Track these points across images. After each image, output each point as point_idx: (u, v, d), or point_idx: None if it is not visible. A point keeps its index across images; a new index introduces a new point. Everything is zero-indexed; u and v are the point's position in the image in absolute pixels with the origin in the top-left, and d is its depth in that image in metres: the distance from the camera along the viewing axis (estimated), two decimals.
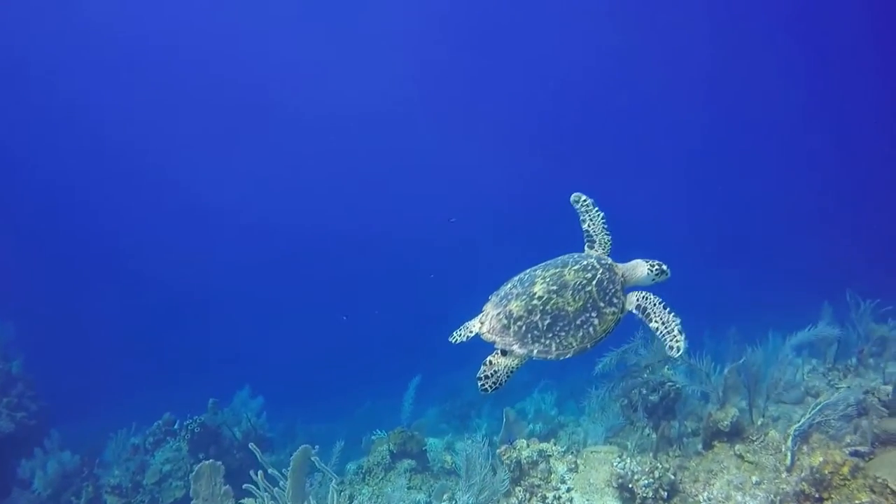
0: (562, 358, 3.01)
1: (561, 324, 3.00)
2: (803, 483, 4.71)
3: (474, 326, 3.32)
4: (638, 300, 3.21)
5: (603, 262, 3.26)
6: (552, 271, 3.16)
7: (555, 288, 3.05)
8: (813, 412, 5.39)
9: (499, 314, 3.15)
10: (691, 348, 6.26)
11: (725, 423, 5.53)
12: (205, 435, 9.71)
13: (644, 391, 6.31)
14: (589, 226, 3.53)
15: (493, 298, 3.34)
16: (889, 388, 6.31)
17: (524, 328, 3.03)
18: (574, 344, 3.02)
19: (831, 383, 7.29)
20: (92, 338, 23.69)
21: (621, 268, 3.33)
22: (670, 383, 5.81)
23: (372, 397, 14.79)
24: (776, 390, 6.07)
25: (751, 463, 5.33)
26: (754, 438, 5.61)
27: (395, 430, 8.02)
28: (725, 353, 6.39)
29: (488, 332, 3.17)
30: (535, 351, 3.03)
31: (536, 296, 3.05)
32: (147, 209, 34.50)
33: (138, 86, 32.97)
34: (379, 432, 8.23)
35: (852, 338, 8.22)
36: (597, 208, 3.51)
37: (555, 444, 5.91)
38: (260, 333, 24.05)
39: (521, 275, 3.33)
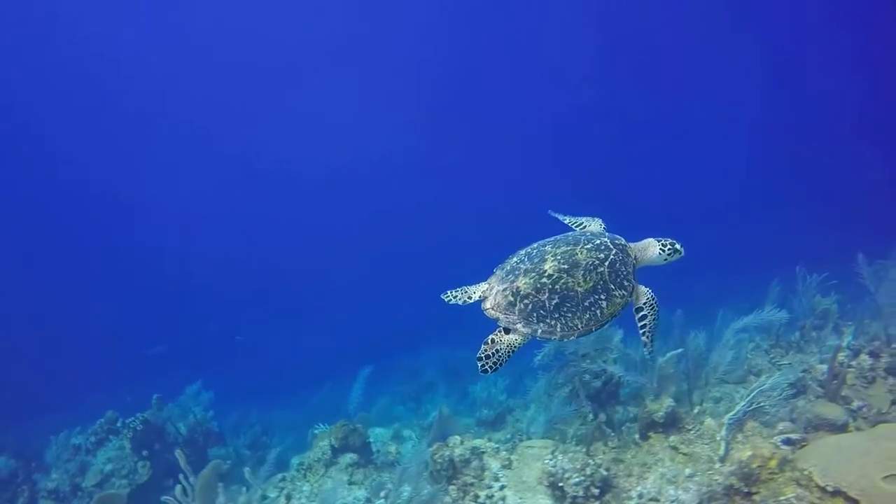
0: (565, 340, 2.92)
1: (568, 304, 2.87)
2: (732, 477, 4.54)
3: (475, 293, 3.13)
4: (645, 302, 3.12)
5: (616, 242, 3.12)
6: (564, 248, 3.00)
7: (566, 267, 2.91)
8: (746, 400, 5.23)
9: (504, 290, 2.97)
10: (630, 335, 6.07)
11: (660, 414, 5.34)
12: (148, 432, 9.31)
13: (587, 377, 6.13)
14: (578, 223, 3.56)
15: (499, 272, 3.13)
16: (824, 366, 6.22)
17: (530, 307, 2.88)
18: (579, 326, 2.90)
19: (773, 361, 7.20)
20: (60, 336, 22.71)
21: (633, 248, 3.21)
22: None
23: (333, 384, 14.43)
24: (716, 375, 5.89)
25: (685, 455, 5.17)
26: (690, 428, 5.46)
27: (337, 424, 7.70)
28: (670, 338, 6.15)
29: (492, 308, 3.00)
30: (540, 331, 2.89)
31: (546, 273, 2.90)
32: (115, 203, 33.03)
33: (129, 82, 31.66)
34: (321, 426, 7.92)
35: (798, 312, 8.15)
36: (592, 219, 3.54)
37: (488, 441, 5.67)
38: (235, 325, 23.31)
39: (529, 249, 3.16)
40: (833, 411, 5.24)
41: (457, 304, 3.14)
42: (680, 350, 5.65)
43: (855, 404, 5.74)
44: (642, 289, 3.15)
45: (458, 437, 5.70)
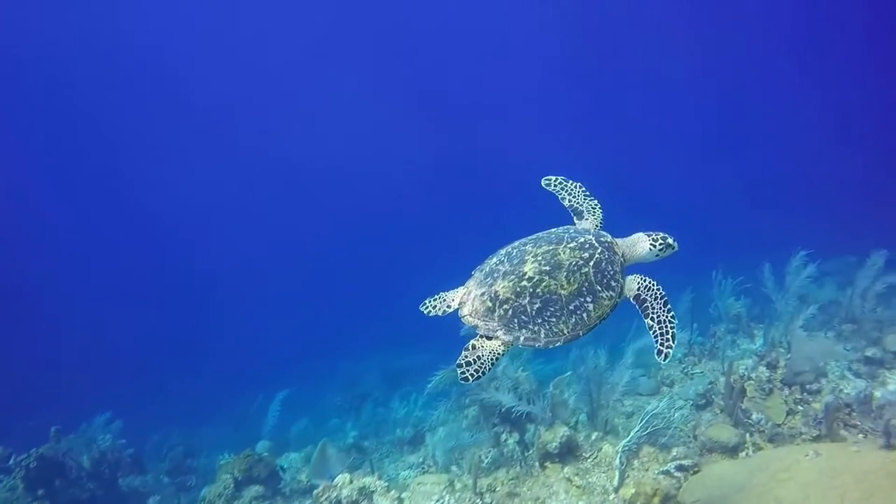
0: (551, 346, 2.69)
1: (552, 309, 2.65)
2: None
3: (454, 300, 2.91)
4: (639, 288, 2.83)
5: (602, 239, 2.88)
6: (545, 248, 2.78)
7: (547, 268, 2.69)
8: (640, 425, 5.03)
9: (482, 295, 2.75)
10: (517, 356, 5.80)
11: (553, 445, 5.09)
12: (45, 468, 8.51)
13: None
14: (570, 201, 3.22)
15: (477, 275, 2.91)
16: (731, 378, 6.10)
17: (511, 312, 2.66)
18: (565, 331, 2.67)
19: (686, 371, 7.08)
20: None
21: (621, 245, 2.96)
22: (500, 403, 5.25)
23: (265, 395, 13.79)
24: (614, 396, 5.67)
25: (578, 487, 4.93)
26: (588, 456, 5.24)
27: (241, 455, 7.23)
28: (567, 358, 5.90)
29: (470, 314, 2.78)
30: (522, 338, 2.66)
31: (526, 276, 2.68)
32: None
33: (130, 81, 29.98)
34: (225, 456, 7.41)
35: (713, 317, 8.10)
36: (571, 182, 3.24)
37: (378, 478, 5.29)
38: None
39: (509, 248, 2.93)
40: (725, 433, 5.09)
41: (437, 316, 2.92)
42: (568, 373, 5.39)
43: (754, 417, 5.65)
44: (630, 279, 2.87)
45: (346, 476, 5.32)
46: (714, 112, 30.13)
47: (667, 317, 2.74)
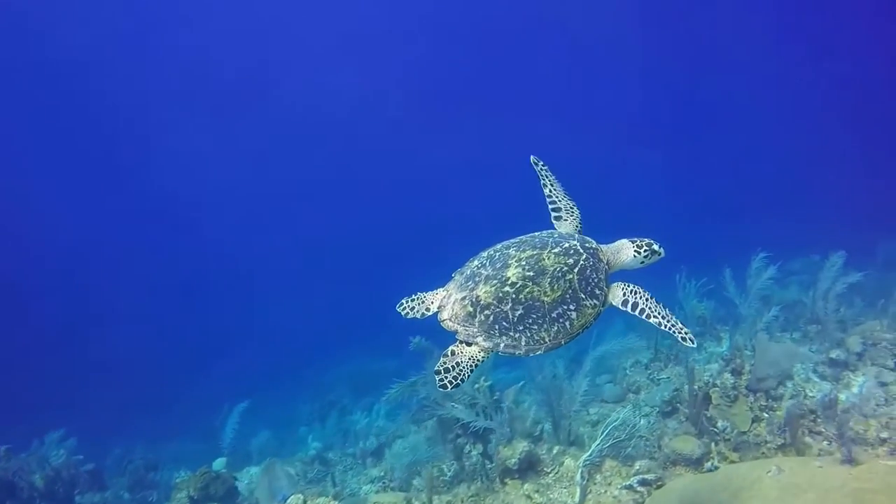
0: (531, 354, 2.59)
1: (534, 316, 2.56)
2: None
3: (433, 303, 2.80)
4: (625, 294, 2.77)
5: (587, 245, 2.79)
6: (529, 253, 2.69)
7: (531, 274, 2.60)
8: (601, 438, 4.82)
9: (463, 299, 2.65)
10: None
11: (513, 461, 4.86)
12: None
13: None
14: (550, 190, 3.12)
15: (458, 277, 2.81)
16: (695, 386, 5.94)
17: (492, 318, 2.57)
18: (546, 339, 2.58)
19: (651, 377, 6.92)
20: None
21: (606, 251, 2.87)
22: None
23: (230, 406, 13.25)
24: (573, 406, 5.46)
25: None
26: (549, 471, 5.01)
27: (198, 472, 6.85)
28: (536, 369, 5.67)
29: (450, 318, 2.67)
30: (503, 345, 2.57)
31: (509, 282, 2.59)
32: None
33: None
34: (181, 473, 7.03)
35: (679, 318, 7.93)
36: (553, 175, 3.15)
37: (333, 500, 4.99)
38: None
39: (491, 251, 2.83)
40: (689, 445, 4.91)
41: (415, 319, 2.81)
42: (520, 384, 5.17)
43: (719, 424, 5.49)
44: (614, 287, 2.80)
45: (300, 496, 5.01)
46: (671, 111, 30.25)
47: (664, 311, 2.72)
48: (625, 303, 2.73)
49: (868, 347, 6.54)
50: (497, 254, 2.77)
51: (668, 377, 6.84)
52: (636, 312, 2.71)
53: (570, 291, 2.60)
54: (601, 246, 2.86)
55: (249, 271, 26.95)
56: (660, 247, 2.88)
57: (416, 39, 33.24)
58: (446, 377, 2.53)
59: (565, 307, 2.57)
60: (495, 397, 5.18)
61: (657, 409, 6.30)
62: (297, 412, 12.29)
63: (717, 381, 5.80)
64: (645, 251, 2.84)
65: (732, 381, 5.72)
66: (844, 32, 24.48)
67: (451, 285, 2.80)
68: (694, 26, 28.28)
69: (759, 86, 27.67)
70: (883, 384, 6.03)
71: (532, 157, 3.15)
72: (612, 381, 6.95)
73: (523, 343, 2.54)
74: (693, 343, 2.65)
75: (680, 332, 2.67)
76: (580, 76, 32.49)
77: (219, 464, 7.84)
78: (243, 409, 8.26)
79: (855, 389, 6.11)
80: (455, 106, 33.31)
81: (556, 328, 2.57)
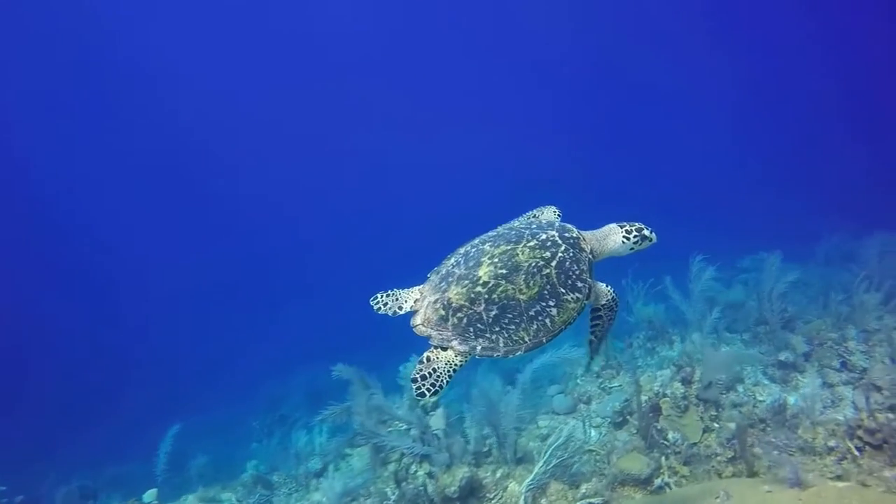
0: (511, 356, 2.45)
1: (510, 315, 2.42)
2: None
3: (406, 302, 2.65)
4: (607, 300, 2.67)
5: (567, 236, 2.60)
6: (502, 248, 2.54)
7: (504, 272, 2.46)
8: (543, 460, 4.45)
9: (435, 302, 2.51)
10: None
11: (452, 489, 4.43)
12: None
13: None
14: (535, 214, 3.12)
15: (433, 278, 2.67)
16: (644, 397, 5.66)
17: (465, 321, 2.43)
18: (526, 339, 2.45)
19: (603, 385, 6.60)
20: None
21: (590, 239, 2.69)
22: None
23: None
24: (511, 424, 5.08)
25: None
26: (492, 497, 4.60)
27: None
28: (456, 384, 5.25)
29: (423, 323, 2.53)
30: (479, 347, 2.43)
31: (481, 281, 2.45)
32: None
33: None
34: None
35: (632, 323, 7.72)
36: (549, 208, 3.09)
37: None
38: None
39: (467, 247, 2.70)
40: (637, 464, 4.59)
41: (386, 315, 2.64)
42: (440, 409, 4.77)
43: (670, 437, 5.21)
44: (602, 287, 2.67)
45: None
46: (616, 110, 30.35)
47: (604, 332, 2.70)
48: (595, 310, 2.64)
49: (815, 347, 6.40)
50: (473, 250, 2.62)
51: (620, 385, 6.55)
52: (592, 315, 2.68)
53: (549, 287, 2.44)
54: (585, 233, 2.68)
55: (204, 276, 25.64)
56: (651, 231, 2.73)
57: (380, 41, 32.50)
58: (423, 385, 2.37)
59: (544, 304, 2.42)
60: (431, 415, 4.75)
61: (608, 420, 6.01)
62: (243, 430, 11.53)
63: (668, 391, 5.52)
64: (635, 237, 2.70)
65: (683, 391, 5.45)
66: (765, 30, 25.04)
67: (425, 287, 2.65)
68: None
69: (699, 85, 28.03)
70: (829, 385, 5.89)
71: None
72: (563, 391, 6.61)
73: (501, 344, 2.41)
74: (588, 372, 2.63)
75: (591, 356, 2.77)
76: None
77: (149, 495, 7.17)
78: (180, 430, 7.54)
79: (803, 391, 5.96)
80: (437, 106, 32.75)
81: (535, 326, 2.42)
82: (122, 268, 25.31)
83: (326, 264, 23.05)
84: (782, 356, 6.29)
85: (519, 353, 2.44)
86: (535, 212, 3.10)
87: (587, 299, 2.52)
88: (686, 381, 5.52)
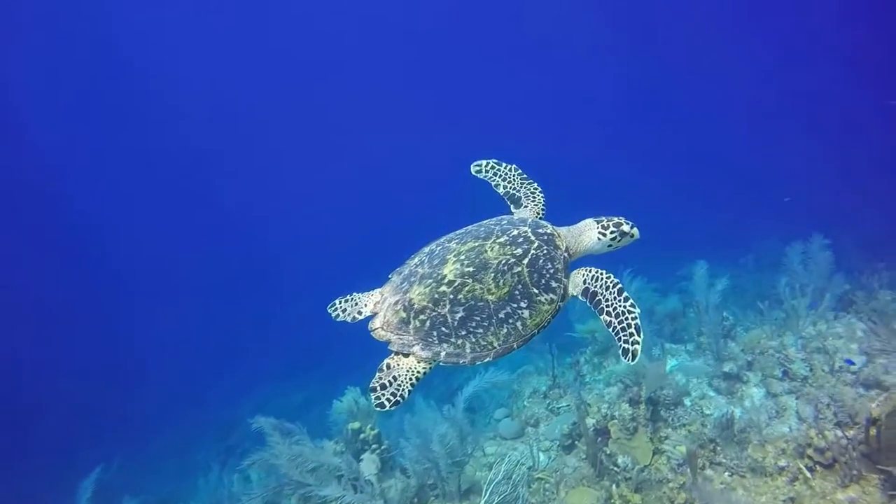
0: (479, 362, 2.13)
1: (478, 318, 2.13)
2: None
3: (366, 306, 2.37)
4: (585, 281, 2.28)
5: (540, 231, 2.33)
6: (470, 245, 2.27)
7: (471, 269, 2.18)
8: (485, 499, 3.98)
9: (396, 303, 2.23)
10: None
11: None
12: None
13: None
14: (505, 187, 2.76)
15: (394, 278, 2.39)
16: (592, 420, 5.32)
17: (428, 324, 2.15)
18: (495, 344, 2.13)
19: (550, 407, 6.24)
20: None
21: (565, 236, 2.41)
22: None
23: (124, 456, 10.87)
24: (452, 460, 4.61)
25: None
26: None
27: None
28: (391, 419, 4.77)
29: (382, 327, 2.23)
30: (444, 353, 2.14)
31: (446, 280, 2.18)
32: None
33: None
34: None
35: (578, 339, 7.42)
36: (505, 164, 2.79)
37: None
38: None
39: (433, 245, 2.43)
40: (585, 499, 4.20)
41: (345, 322, 2.43)
42: (368, 453, 4.27)
43: (620, 461, 4.87)
44: (575, 274, 2.34)
45: None
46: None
47: (625, 306, 2.16)
48: (584, 291, 2.26)
49: (756, 357, 6.27)
50: (438, 248, 2.37)
51: (569, 405, 6.20)
52: (590, 302, 2.23)
53: (520, 286, 2.17)
54: (560, 230, 2.43)
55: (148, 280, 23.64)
56: (632, 227, 2.41)
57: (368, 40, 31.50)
58: (383, 395, 2.09)
59: (515, 305, 2.15)
60: (361, 460, 4.20)
61: (557, 444, 5.63)
62: (193, 461, 10.46)
63: (615, 413, 5.19)
64: (612, 233, 2.39)
65: (631, 413, 5.13)
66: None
67: (386, 288, 2.40)
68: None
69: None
70: (773, 395, 5.74)
71: (472, 166, 2.81)
72: (510, 414, 6.20)
73: (468, 350, 2.14)
74: (633, 360, 2.08)
75: (627, 341, 2.09)
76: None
77: None
78: (121, 462, 6.60)
79: (748, 403, 5.79)
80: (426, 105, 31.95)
81: (505, 330, 2.14)
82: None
83: (297, 272, 21.56)
84: (726, 367, 6.12)
85: (487, 359, 2.16)
86: (508, 181, 2.81)
87: (562, 301, 2.25)
88: (634, 402, 5.21)
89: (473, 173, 2.80)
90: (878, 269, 7.82)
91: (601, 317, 2.22)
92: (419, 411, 5.51)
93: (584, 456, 5.13)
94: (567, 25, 28.99)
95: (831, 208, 11.37)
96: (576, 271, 2.35)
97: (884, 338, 5.95)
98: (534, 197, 2.72)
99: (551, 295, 2.21)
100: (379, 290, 2.45)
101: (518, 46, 30.43)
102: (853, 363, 5.48)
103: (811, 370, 5.78)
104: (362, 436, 5.62)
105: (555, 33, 29.63)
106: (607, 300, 2.20)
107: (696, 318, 7.10)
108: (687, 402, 5.74)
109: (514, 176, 2.78)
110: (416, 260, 2.43)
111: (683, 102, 25.34)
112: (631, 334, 2.10)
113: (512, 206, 2.75)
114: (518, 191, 2.74)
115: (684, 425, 5.10)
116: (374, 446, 5.35)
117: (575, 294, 2.32)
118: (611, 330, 2.17)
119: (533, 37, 29.96)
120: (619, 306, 2.17)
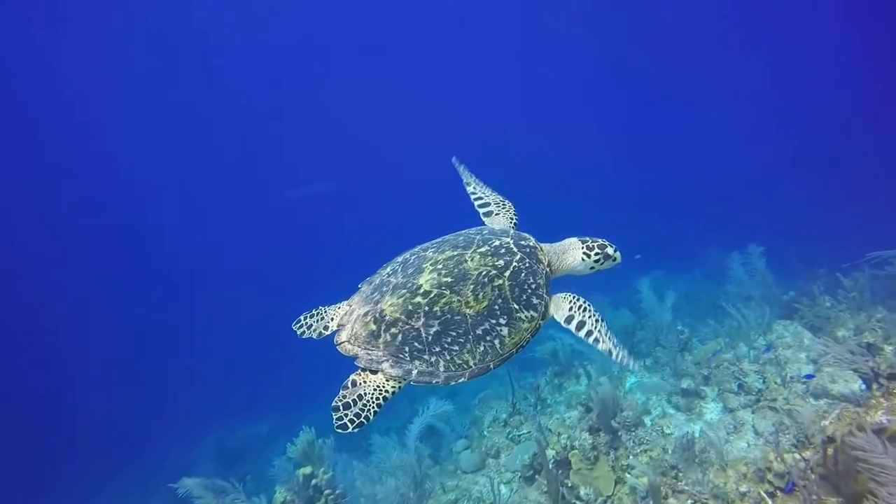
0: (452, 382, 1.93)
1: (454, 333, 1.92)
2: None
3: (333, 319, 2.14)
4: (571, 309, 2.12)
5: (523, 244, 2.16)
6: (449, 253, 2.09)
7: (449, 280, 1.98)
8: None
9: (366, 315, 2.00)
10: None
11: None
12: None
13: None
14: (475, 188, 2.60)
15: (364, 288, 2.17)
16: (552, 451, 5.05)
17: (400, 338, 1.92)
18: (471, 362, 1.94)
19: (511, 435, 5.95)
20: None
21: (548, 251, 2.26)
22: None
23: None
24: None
25: None
26: None
27: None
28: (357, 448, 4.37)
29: (349, 340, 1.99)
30: (416, 372, 1.91)
31: (422, 291, 1.97)
32: None
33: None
34: None
35: (538, 359, 7.19)
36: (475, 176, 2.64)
37: None
38: None
39: (407, 254, 2.22)
40: None
41: (311, 339, 2.13)
42: (328, 494, 3.89)
43: (582, 493, 4.61)
44: (559, 298, 2.17)
45: None
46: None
47: (610, 334, 2.14)
48: (569, 319, 2.12)
49: (712, 370, 6.18)
50: (413, 257, 2.18)
51: (529, 432, 5.93)
52: (581, 334, 2.11)
53: (500, 301, 2.00)
54: (542, 245, 2.29)
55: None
56: (615, 250, 2.32)
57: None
58: (346, 415, 1.87)
59: (494, 321, 1.97)
60: None
61: (518, 475, 5.34)
62: None
63: (576, 443, 4.94)
64: (596, 254, 2.29)
65: (591, 441, 4.89)
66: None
67: (354, 298, 2.18)
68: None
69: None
70: (730, 410, 5.64)
71: (453, 158, 2.67)
72: (469, 446, 5.88)
73: (441, 368, 1.93)
74: (634, 363, 2.12)
75: (625, 361, 2.10)
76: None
77: None
78: None
79: (707, 417, 5.68)
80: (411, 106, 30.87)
81: (482, 348, 1.96)
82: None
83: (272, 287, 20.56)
84: (685, 384, 5.99)
85: (462, 379, 1.97)
86: (486, 194, 2.68)
87: (542, 319, 2.09)
88: (594, 430, 4.97)
89: (453, 163, 2.67)
90: (819, 275, 7.94)
91: (598, 346, 2.15)
92: (377, 448, 5.14)
93: (545, 489, 4.86)
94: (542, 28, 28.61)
95: (781, 217, 11.64)
96: (560, 295, 2.21)
97: (829, 346, 5.96)
98: (503, 206, 2.58)
99: (532, 312, 2.04)
100: (347, 301, 2.23)
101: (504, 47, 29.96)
102: (813, 377, 5.41)
103: (764, 382, 5.72)
104: (314, 481, 5.18)
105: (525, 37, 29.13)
106: (600, 331, 2.14)
107: (652, 333, 7.00)
108: (647, 421, 5.57)
109: (483, 184, 2.69)
110: (388, 269, 2.23)
111: (654, 116, 25.42)
112: (625, 356, 2.10)
113: (481, 213, 2.60)
114: (487, 196, 2.63)
115: (646, 450, 4.89)
116: (326, 492, 4.93)
117: (557, 319, 2.17)
118: (613, 357, 2.13)
119: (509, 33, 29.35)
120: (609, 336, 2.14)
